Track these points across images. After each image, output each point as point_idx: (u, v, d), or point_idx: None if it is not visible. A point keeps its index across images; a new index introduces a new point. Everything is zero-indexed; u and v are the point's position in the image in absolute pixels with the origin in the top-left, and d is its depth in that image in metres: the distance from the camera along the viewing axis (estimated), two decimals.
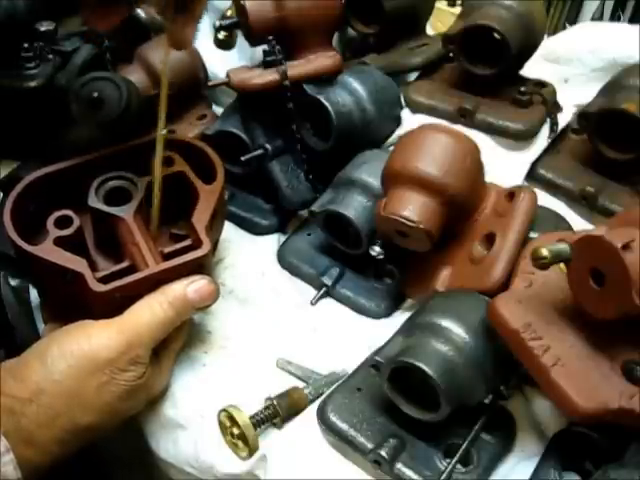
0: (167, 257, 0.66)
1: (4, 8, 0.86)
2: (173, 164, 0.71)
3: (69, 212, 0.67)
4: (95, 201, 0.68)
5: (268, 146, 0.83)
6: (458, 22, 0.90)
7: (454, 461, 0.59)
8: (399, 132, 0.88)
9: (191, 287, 0.64)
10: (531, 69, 0.93)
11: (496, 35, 0.84)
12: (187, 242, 0.68)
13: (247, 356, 0.72)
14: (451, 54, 0.92)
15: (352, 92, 0.82)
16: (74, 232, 0.66)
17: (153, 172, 0.69)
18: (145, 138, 0.74)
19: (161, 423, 0.68)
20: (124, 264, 0.66)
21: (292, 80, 0.80)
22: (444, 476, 0.58)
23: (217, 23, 0.86)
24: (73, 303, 0.65)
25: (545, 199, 0.82)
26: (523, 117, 0.87)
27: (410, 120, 0.89)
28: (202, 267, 0.66)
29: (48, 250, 0.63)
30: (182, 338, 0.69)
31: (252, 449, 0.62)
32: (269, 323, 0.75)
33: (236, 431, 0.62)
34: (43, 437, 0.57)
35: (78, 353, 0.59)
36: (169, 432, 0.68)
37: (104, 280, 0.63)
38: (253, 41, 0.83)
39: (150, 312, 0.62)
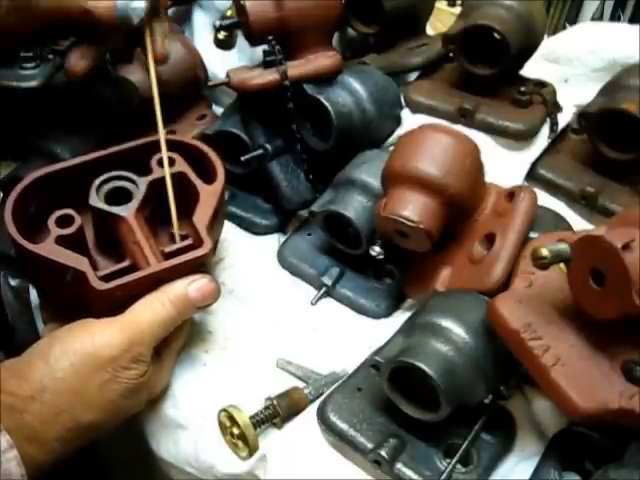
0: (168, 256, 0.66)
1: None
2: (174, 165, 0.71)
3: (70, 211, 0.67)
4: (96, 200, 0.68)
5: (268, 146, 0.83)
6: (458, 22, 0.90)
7: (454, 461, 0.59)
8: (399, 132, 0.88)
9: (192, 286, 0.65)
10: (531, 69, 0.93)
11: (496, 35, 0.84)
12: (188, 241, 0.68)
13: (247, 356, 0.72)
14: (451, 54, 0.92)
15: (352, 92, 0.82)
16: (75, 231, 0.66)
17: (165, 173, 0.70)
18: (145, 138, 0.74)
19: (162, 423, 0.68)
20: (125, 263, 0.66)
21: (292, 80, 0.80)
22: (444, 476, 0.58)
23: (217, 23, 0.86)
24: (74, 303, 0.65)
25: (545, 199, 0.82)
26: (523, 117, 0.87)
27: (410, 120, 0.89)
28: (203, 266, 0.67)
29: (49, 249, 0.63)
30: (183, 337, 0.69)
31: (252, 449, 0.62)
32: (269, 323, 0.75)
33: (236, 431, 0.62)
34: (46, 434, 0.57)
35: (81, 351, 0.59)
36: (169, 432, 0.68)
37: (105, 279, 0.63)
38: (253, 41, 0.83)
39: (152, 311, 0.63)
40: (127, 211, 0.67)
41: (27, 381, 0.58)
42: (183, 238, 0.69)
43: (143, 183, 0.69)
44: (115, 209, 0.67)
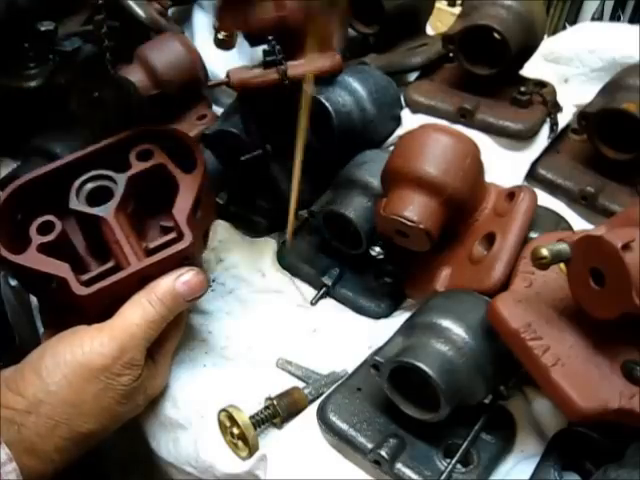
0: (152, 252, 0.65)
1: (4, 8, 0.86)
2: (152, 157, 0.70)
3: (51, 217, 0.65)
4: (76, 203, 0.66)
5: (268, 146, 0.83)
6: (458, 22, 0.90)
7: (454, 461, 0.59)
8: (399, 132, 0.88)
9: (179, 280, 0.64)
10: (531, 69, 0.93)
11: (496, 35, 0.84)
12: (172, 235, 0.67)
13: (247, 356, 0.72)
14: (451, 54, 0.92)
15: (352, 92, 0.82)
16: (57, 237, 0.65)
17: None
18: (122, 133, 0.72)
19: (161, 423, 0.68)
20: (109, 264, 0.65)
21: (292, 80, 0.80)
22: (444, 476, 0.58)
23: (217, 23, 0.86)
24: (67, 308, 0.64)
25: (545, 199, 0.82)
26: (523, 117, 0.87)
27: (410, 120, 0.89)
28: (187, 259, 0.65)
29: (30, 258, 0.63)
30: (177, 337, 0.69)
31: (252, 449, 0.62)
32: (269, 323, 0.75)
33: (236, 431, 0.62)
34: (44, 446, 0.57)
35: (72, 362, 0.59)
36: (169, 432, 0.68)
37: (89, 282, 0.62)
38: (253, 41, 0.83)
39: (141, 311, 0.62)
40: (106, 211, 0.65)
41: (22, 395, 0.58)
42: (169, 230, 0.68)
43: (122, 180, 0.68)
44: (94, 210, 0.66)
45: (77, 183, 0.67)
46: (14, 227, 0.67)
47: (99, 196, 0.67)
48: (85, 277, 0.64)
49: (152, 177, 0.69)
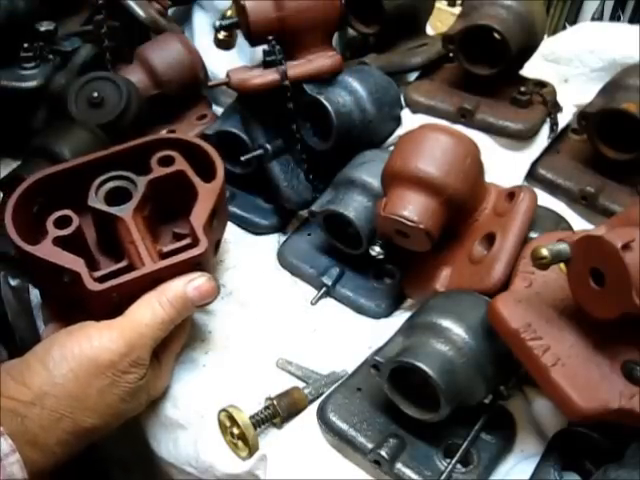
0: (166, 256, 0.66)
1: (4, 8, 0.86)
2: (173, 163, 0.71)
3: (68, 212, 0.66)
4: (95, 201, 0.68)
5: (268, 146, 0.83)
6: (458, 22, 0.90)
7: (454, 461, 0.59)
8: (399, 132, 0.87)
9: (190, 285, 0.64)
10: (531, 69, 0.93)
11: (496, 35, 0.84)
12: (186, 241, 0.68)
13: (247, 356, 0.72)
14: (451, 54, 0.92)
15: (352, 92, 0.82)
16: (73, 232, 0.66)
17: None
18: (145, 137, 0.73)
19: (161, 423, 0.68)
20: (122, 263, 0.66)
21: (292, 80, 0.80)
22: (444, 476, 0.58)
23: (217, 23, 0.86)
24: (74, 303, 0.65)
25: (545, 199, 0.82)
26: (523, 117, 0.87)
27: (410, 120, 0.89)
28: (200, 265, 0.66)
29: (46, 250, 0.63)
30: (182, 339, 0.69)
31: (252, 449, 0.62)
32: (269, 323, 0.75)
33: (236, 431, 0.62)
34: (47, 439, 0.57)
35: (80, 356, 0.59)
36: (169, 432, 0.68)
37: (102, 279, 0.63)
38: (253, 41, 0.83)
39: (151, 312, 0.62)
40: (125, 211, 0.67)
41: (27, 387, 0.58)
42: (184, 237, 0.69)
43: (142, 182, 0.69)
44: (112, 209, 0.67)
45: (97, 181, 0.69)
46: (30, 219, 0.67)
47: (117, 196, 0.68)
48: (98, 274, 0.64)
49: (171, 183, 0.70)
